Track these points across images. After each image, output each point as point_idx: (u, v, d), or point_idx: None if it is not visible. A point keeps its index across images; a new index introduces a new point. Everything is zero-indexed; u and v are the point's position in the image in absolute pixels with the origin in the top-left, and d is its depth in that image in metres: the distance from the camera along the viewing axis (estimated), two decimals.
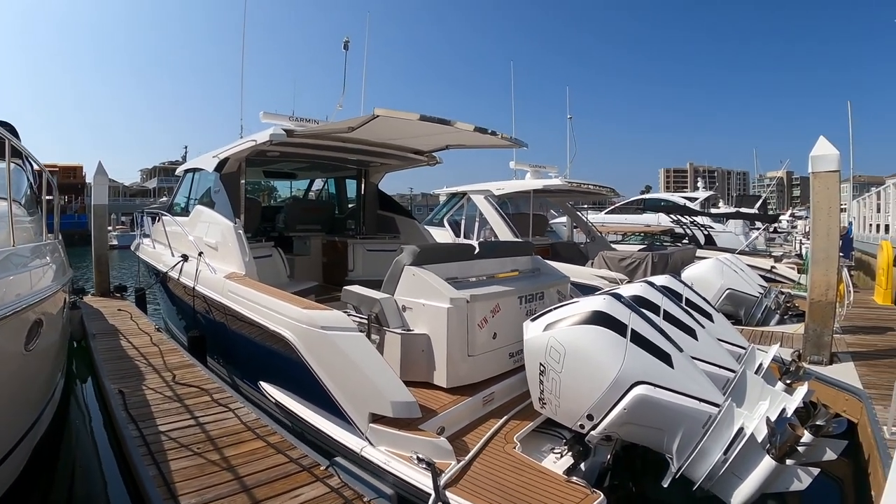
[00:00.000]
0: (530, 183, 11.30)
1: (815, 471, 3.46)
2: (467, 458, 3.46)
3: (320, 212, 9.68)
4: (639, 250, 10.86)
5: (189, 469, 3.60)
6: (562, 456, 3.70)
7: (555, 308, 3.75)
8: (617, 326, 3.44)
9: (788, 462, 3.41)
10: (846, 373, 5.71)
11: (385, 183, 8.99)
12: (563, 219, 14.75)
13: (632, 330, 3.44)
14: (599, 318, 3.46)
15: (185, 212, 7.68)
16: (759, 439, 3.44)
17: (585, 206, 19.90)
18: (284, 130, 5.78)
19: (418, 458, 3.36)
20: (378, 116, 4.62)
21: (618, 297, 3.70)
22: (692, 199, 25.32)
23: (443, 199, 12.55)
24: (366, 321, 4.46)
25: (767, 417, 3.54)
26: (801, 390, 4.03)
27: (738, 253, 12.50)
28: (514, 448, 3.66)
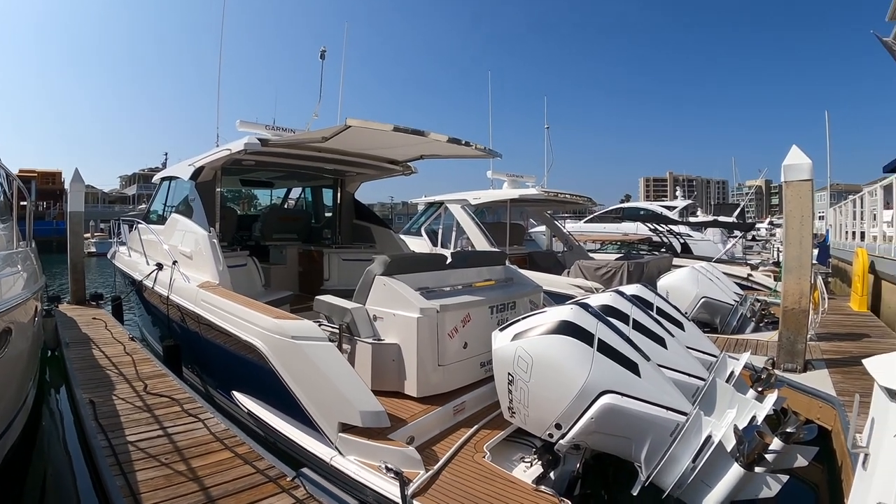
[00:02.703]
0: (507, 192, 11.31)
1: (784, 478, 3.47)
2: (436, 467, 3.46)
3: (297, 221, 9.65)
4: (615, 259, 10.92)
5: (156, 480, 3.56)
6: (532, 465, 3.70)
7: (522, 318, 3.75)
8: (584, 336, 3.44)
9: (758, 469, 3.42)
10: (820, 380, 5.73)
11: (366, 191, 9.02)
12: (543, 228, 14.80)
13: (599, 339, 3.44)
14: (566, 328, 3.45)
15: (161, 220, 7.64)
16: (728, 447, 3.45)
17: (565, 215, 19.99)
18: (259, 140, 5.78)
19: (387, 467, 3.34)
20: (350, 127, 4.62)
21: (585, 306, 3.70)
22: (670, 208, 25.51)
23: (421, 208, 12.52)
24: (337, 331, 4.44)
25: (735, 425, 3.54)
26: (771, 398, 4.05)
27: (714, 261, 12.60)
28: (484, 457, 3.65)
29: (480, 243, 10.15)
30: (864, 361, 2.54)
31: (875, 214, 11.88)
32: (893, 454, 2.23)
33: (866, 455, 2.45)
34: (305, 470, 3.69)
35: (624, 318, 4.14)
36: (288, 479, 3.62)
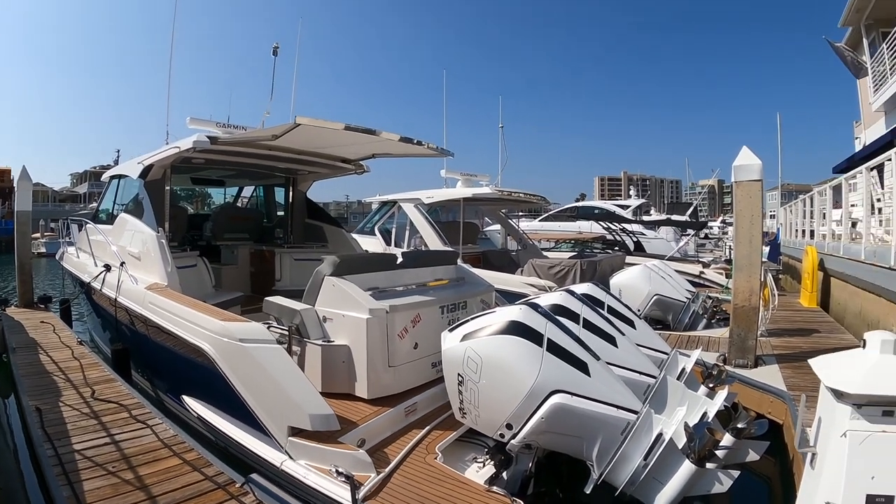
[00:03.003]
0: (460, 191, 11.30)
1: (736, 473, 3.53)
2: (387, 470, 3.43)
3: (248, 220, 9.48)
4: (569, 258, 11.04)
5: (103, 489, 3.46)
6: (484, 465, 3.69)
7: (472, 318, 3.74)
8: (533, 336, 3.44)
9: (709, 466, 3.47)
10: (771, 375, 5.84)
11: (322, 190, 8.92)
12: (498, 227, 14.88)
13: (548, 339, 3.44)
14: (515, 329, 3.45)
15: (111, 219, 7.40)
16: (679, 444, 3.50)
17: (520, 213, 20.14)
18: (209, 138, 5.64)
19: (337, 471, 3.30)
20: (300, 125, 4.55)
21: (535, 306, 3.70)
22: (625, 207, 26.02)
23: (375, 207, 12.44)
24: (286, 333, 4.37)
25: (686, 423, 3.60)
26: (722, 394, 4.11)
27: (666, 259, 12.87)
28: (436, 458, 3.63)
29: (434, 242, 10.13)
30: (810, 362, 2.59)
31: (824, 213, 12.25)
32: (840, 454, 2.27)
33: (814, 454, 2.49)
34: (255, 476, 3.61)
35: (574, 317, 4.16)
36: (237, 486, 3.54)
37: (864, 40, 16.36)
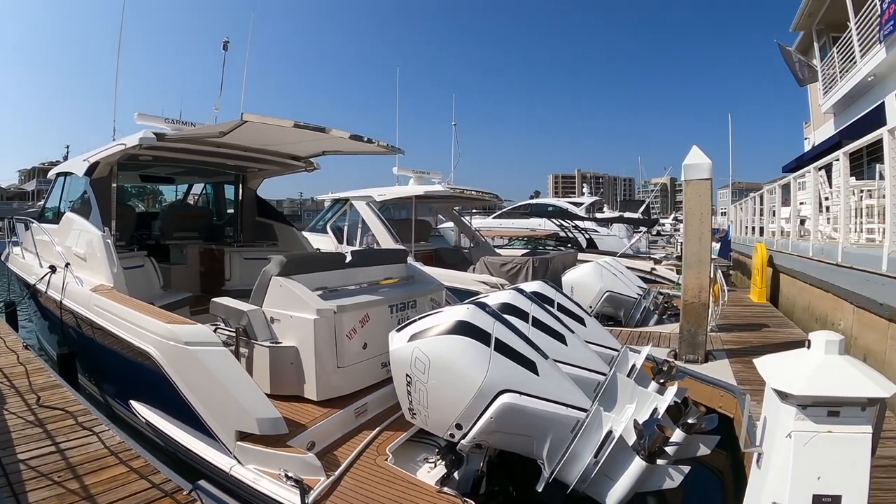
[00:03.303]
0: (412, 189, 11.29)
1: (686, 469, 3.59)
2: (337, 473, 3.39)
3: (198, 218, 9.28)
4: (521, 255, 11.13)
5: (48, 500, 3.36)
6: (435, 465, 3.68)
7: (419, 318, 3.72)
8: (480, 336, 3.43)
9: (660, 462, 3.52)
10: (721, 370, 5.97)
11: (276, 187, 8.79)
12: (452, 224, 14.92)
13: (495, 339, 3.44)
14: (462, 328, 3.44)
15: (56, 218, 7.16)
16: (630, 441, 3.54)
17: (474, 211, 20.23)
18: (155, 134, 5.50)
19: (286, 475, 3.25)
20: (247, 122, 4.47)
21: (482, 305, 3.70)
22: (578, 204, 26.39)
23: (327, 204, 12.36)
24: (234, 334, 4.30)
25: (635, 420, 3.64)
26: (672, 390, 4.18)
27: (618, 256, 13.04)
28: (387, 460, 3.61)
29: (385, 240, 10.10)
30: (755, 362, 2.59)
31: (774, 211, 12.61)
32: (785, 454, 2.28)
33: (760, 454, 2.51)
34: (202, 483, 3.53)
35: (524, 315, 4.17)
36: (184, 493, 3.46)
37: (815, 44, 16.88)
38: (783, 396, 2.33)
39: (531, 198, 32.43)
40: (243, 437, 3.59)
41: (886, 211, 5.35)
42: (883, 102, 11.48)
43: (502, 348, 3.43)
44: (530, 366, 3.45)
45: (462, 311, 3.57)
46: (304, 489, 3.14)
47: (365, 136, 5.37)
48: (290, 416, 3.78)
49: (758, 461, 2.55)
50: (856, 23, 12.81)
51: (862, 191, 9.05)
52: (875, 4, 11.52)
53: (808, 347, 2.41)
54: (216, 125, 5.49)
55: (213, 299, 4.74)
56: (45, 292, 6.28)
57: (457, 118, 20.81)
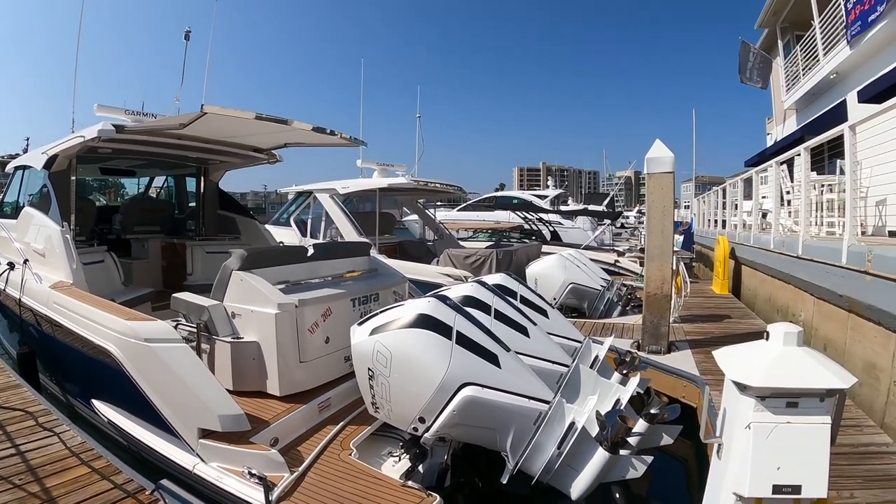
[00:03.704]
0: (376, 181, 11.20)
1: (649, 459, 3.66)
2: (300, 469, 3.39)
3: (159, 212, 9.12)
4: (485, 247, 11.16)
5: None
6: (400, 459, 3.70)
7: (381, 312, 3.72)
8: (441, 329, 3.45)
9: (623, 452, 3.59)
10: (684, 360, 6.08)
11: (240, 180, 8.66)
12: (416, 216, 14.88)
13: (457, 332, 3.46)
14: (424, 322, 3.45)
15: (15, 213, 6.99)
16: (592, 432, 3.60)
17: (439, 203, 20.15)
18: (114, 126, 5.38)
19: (250, 472, 3.23)
20: (207, 114, 4.40)
21: (443, 299, 3.72)
22: (542, 197, 26.50)
23: (291, 197, 12.26)
24: (195, 330, 4.26)
25: (597, 411, 3.69)
26: (634, 381, 4.24)
27: (582, 248, 13.16)
28: (351, 455, 3.61)
29: (349, 233, 10.05)
30: (714, 353, 2.59)
31: (736, 205, 12.85)
32: (745, 445, 2.29)
33: (720, 445, 2.52)
34: (165, 482, 3.49)
35: (486, 308, 4.20)
36: (147, 493, 3.42)
37: (780, 42, 17.14)
38: (742, 388, 2.34)
39: (496, 190, 32.49)
40: (206, 434, 3.57)
41: (847, 205, 5.48)
42: (845, 100, 11.70)
43: (464, 341, 3.46)
44: (492, 358, 3.48)
45: (423, 305, 3.58)
46: (267, 486, 3.13)
47: (328, 128, 5.33)
48: (252, 413, 3.76)
49: (718, 452, 2.56)
50: (820, 21, 13.07)
51: (823, 185, 9.30)
52: (839, 3, 11.76)
53: (767, 339, 2.42)
54: (177, 117, 5.39)
55: (174, 294, 4.68)
56: (4, 290, 6.13)
57: (422, 110, 20.72)
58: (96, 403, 4.54)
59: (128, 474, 3.64)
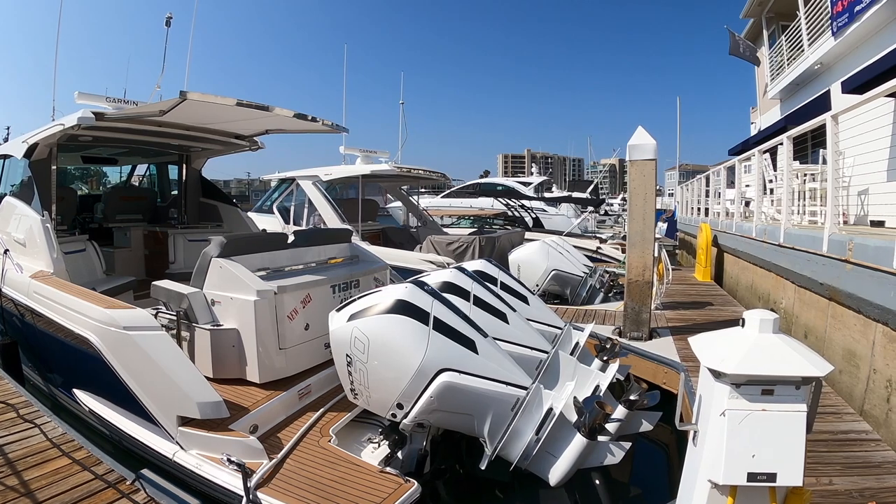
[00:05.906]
0: (359, 168, 11.21)
1: (627, 445, 3.70)
2: (279, 455, 3.41)
3: (141, 200, 9.07)
4: (468, 234, 11.17)
5: None
6: (379, 445, 3.74)
7: (358, 297, 3.73)
8: (419, 315, 3.47)
9: (601, 438, 3.62)
10: (665, 347, 6.13)
11: (223, 168, 8.62)
12: (400, 203, 14.89)
13: (434, 318, 3.48)
14: (401, 307, 3.46)
15: None
16: (571, 418, 3.63)
17: (423, 190, 20.07)
18: (94, 113, 5.34)
19: (229, 459, 3.23)
20: (187, 100, 4.37)
21: (421, 284, 3.73)
22: (526, 184, 26.43)
23: (274, 184, 12.22)
24: (175, 318, 4.25)
25: (575, 397, 3.73)
26: (613, 367, 4.29)
27: (565, 235, 13.23)
28: (330, 441, 3.63)
29: (332, 220, 10.02)
30: (689, 340, 2.59)
31: (719, 193, 12.93)
32: (720, 432, 2.29)
33: (695, 432, 2.53)
34: (145, 471, 3.50)
35: (465, 294, 4.22)
36: (128, 483, 3.43)
37: (765, 32, 17.17)
38: (717, 375, 2.33)
39: (481, 177, 32.41)
40: (185, 422, 3.58)
41: (828, 194, 5.53)
42: (829, 90, 11.75)
43: (441, 327, 3.47)
44: (469, 344, 3.50)
45: (400, 290, 3.59)
46: (246, 473, 3.13)
47: (309, 114, 5.32)
48: (232, 400, 3.78)
49: (693, 439, 2.57)
50: (805, 12, 13.10)
51: (805, 174, 9.37)
52: None
53: (743, 326, 2.41)
54: (157, 103, 5.34)
55: (154, 282, 4.66)
56: None
57: (405, 97, 20.65)
58: (78, 393, 4.53)
59: (108, 465, 3.64)
